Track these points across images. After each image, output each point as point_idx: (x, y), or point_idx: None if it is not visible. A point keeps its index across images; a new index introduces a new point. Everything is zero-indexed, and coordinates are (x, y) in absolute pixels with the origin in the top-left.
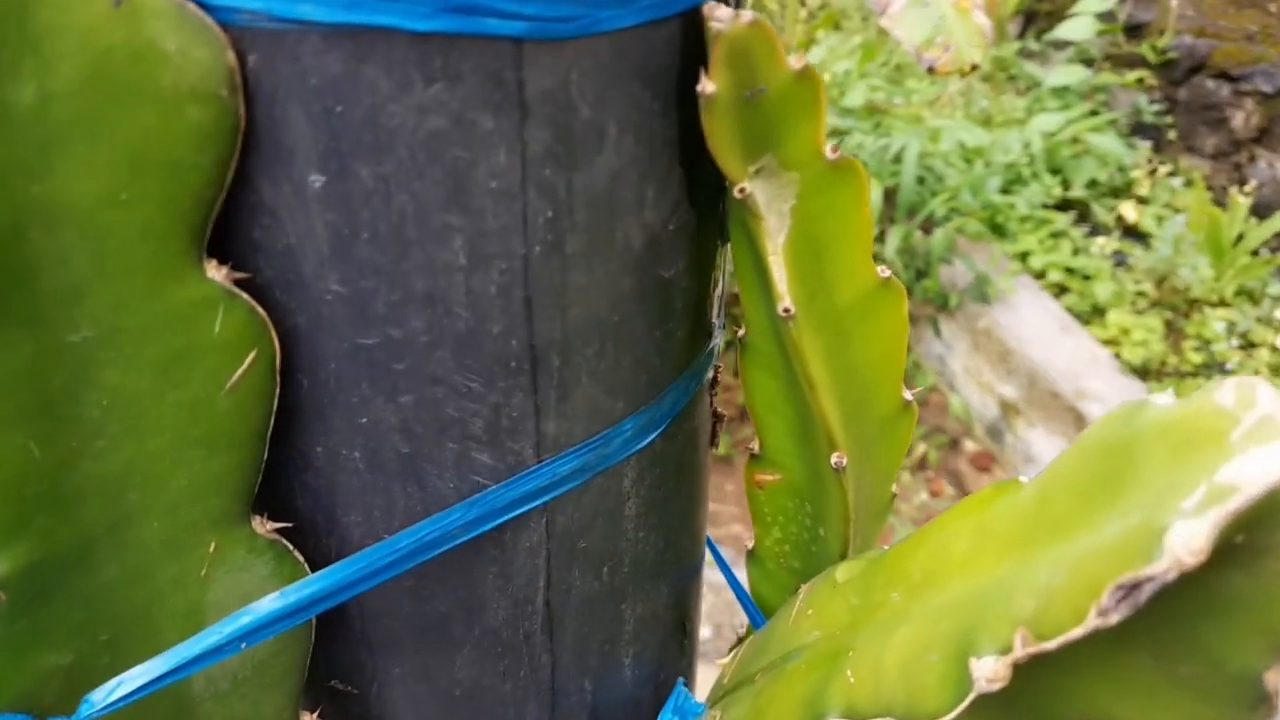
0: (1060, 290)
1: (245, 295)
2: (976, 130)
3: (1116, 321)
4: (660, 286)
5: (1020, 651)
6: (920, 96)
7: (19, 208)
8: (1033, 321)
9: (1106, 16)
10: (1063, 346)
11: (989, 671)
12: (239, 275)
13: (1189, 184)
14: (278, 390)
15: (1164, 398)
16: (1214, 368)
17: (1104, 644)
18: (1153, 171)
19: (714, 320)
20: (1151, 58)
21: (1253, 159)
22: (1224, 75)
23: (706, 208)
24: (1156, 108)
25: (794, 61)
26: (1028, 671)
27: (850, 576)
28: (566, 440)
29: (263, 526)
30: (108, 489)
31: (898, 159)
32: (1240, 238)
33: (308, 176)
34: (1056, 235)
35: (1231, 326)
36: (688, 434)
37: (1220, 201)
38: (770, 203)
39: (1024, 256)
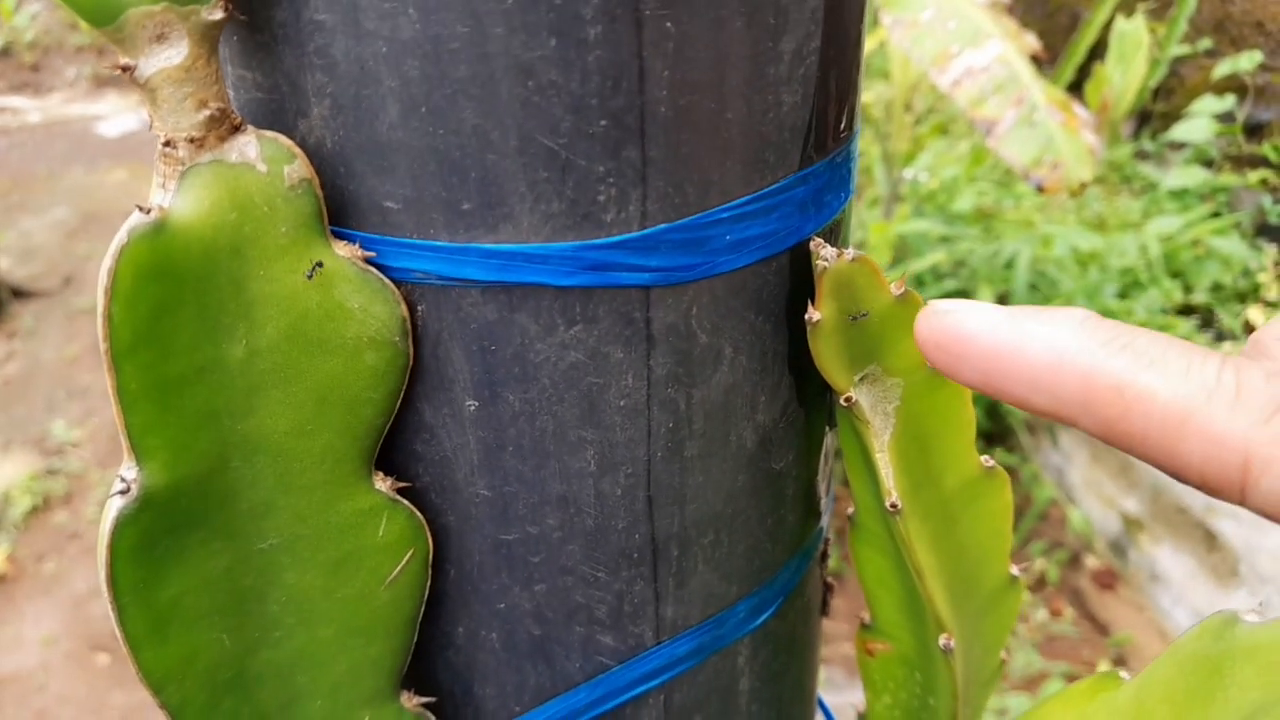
0: None
1: (405, 501)
2: (1090, 234)
3: None
4: (772, 478)
5: None
6: (1031, 201)
7: (227, 443)
8: None
9: (1225, 117)
10: None
11: None
12: (401, 484)
13: None
14: (429, 582)
15: (1252, 615)
16: None
17: None
18: None
19: (823, 500)
20: (1274, 158)
21: None
22: None
23: (815, 402)
24: None
25: (895, 288)
26: None
27: None
28: (684, 623)
29: (410, 701)
30: (281, 673)
31: (1009, 265)
32: None
33: (464, 401)
34: None
35: None
36: (799, 610)
37: None
38: (875, 405)
39: None
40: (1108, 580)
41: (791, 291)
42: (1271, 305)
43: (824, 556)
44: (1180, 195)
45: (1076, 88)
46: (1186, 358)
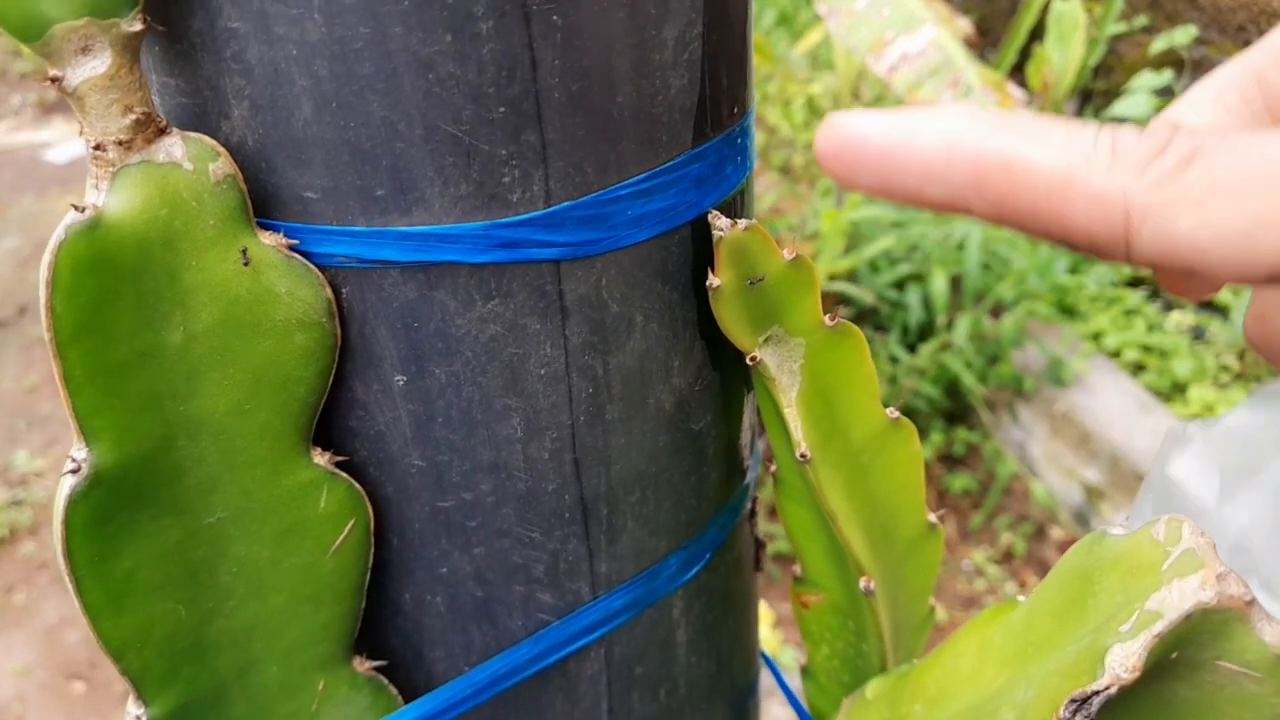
0: (1137, 369)
1: (344, 474)
2: None
3: (1199, 398)
4: (692, 438)
5: None
6: None
7: (171, 423)
8: (1111, 402)
9: (1164, 92)
10: (1144, 426)
11: None
12: (339, 458)
13: None
14: (372, 550)
15: (1118, 529)
16: None
17: None
18: None
19: (746, 460)
20: None
21: None
22: None
23: (730, 367)
24: None
25: (787, 253)
26: None
27: (880, 692)
28: (618, 578)
29: (362, 665)
30: (237, 640)
31: (961, 246)
32: None
33: (393, 377)
34: (1129, 313)
35: None
36: (730, 564)
37: None
38: (781, 364)
39: (1097, 336)
40: None
41: (695, 261)
42: None
43: (752, 514)
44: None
45: (1019, 69)
46: (1065, 129)
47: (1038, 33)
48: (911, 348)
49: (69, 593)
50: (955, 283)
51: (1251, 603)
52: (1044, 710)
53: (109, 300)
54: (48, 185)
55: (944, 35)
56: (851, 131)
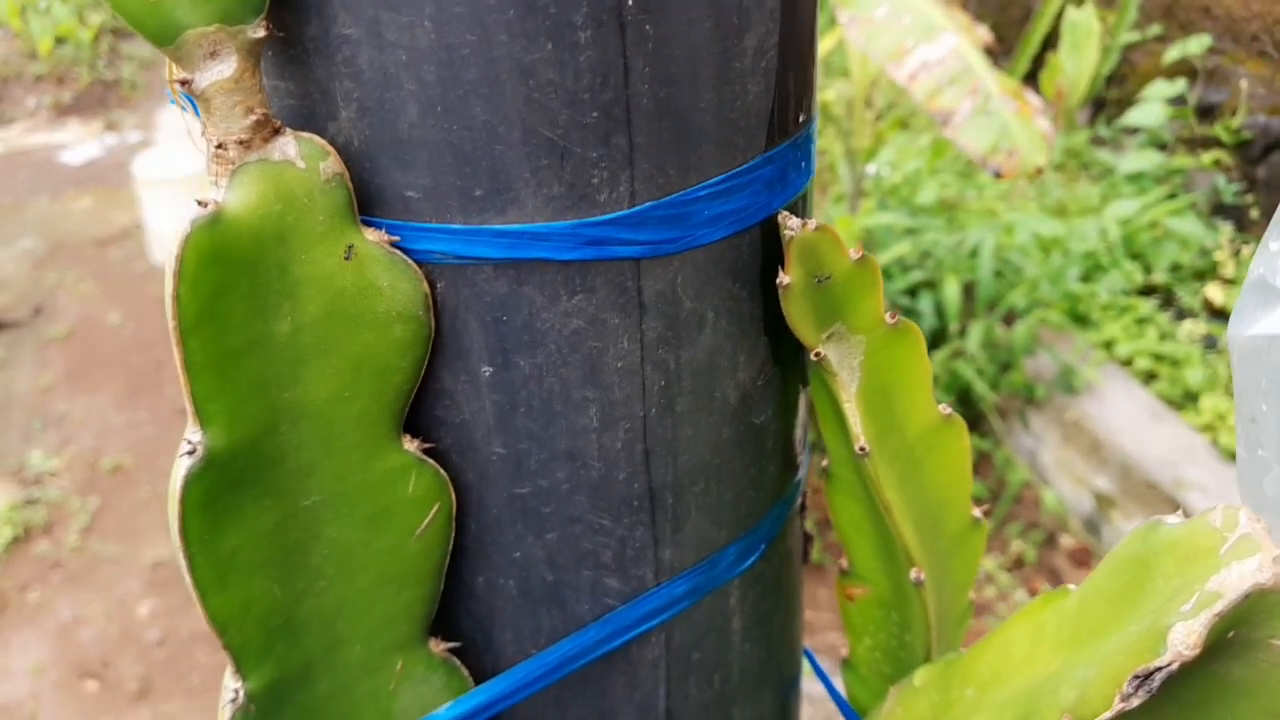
0: (1149, 377)
1: (431, 461)
2: (1051, 221)
3: (1211, 407)
4: (753, 431)
5: None
6: (993, 190)
7: (276, 409)
8: (1123, 411)
9: (1177, 101)
10: (1156, 435)
11: None
12: (426, 445)
13: None
14: (453, 533)
15: (1174, 518)
16: None
17: None
18: (1237, 252)
19: (799, 454)
20: (1226, 138)
21: None
22: None
23: (789, 363)
24: (1236, 187)
25: (854, 253)
26: None
27: (928, 679)
28: (680, 565)
29: (437, 646)
30: (325, 620)
31: (974, 254)
32: None
33: (480, 368)
34: (1141, 321)
35: None
36: (783, 555)
37: None
38: (842, 360)
39: (1109, 345)
40: (1083, 558)
41: (764, 261)
42: (1229, 282)
43: (802, 508)
44: (1137, 179)
45: (1032, 77)
46: None
47: (1051, 41)
48: None
49: (80, 590)
50: (968, 290)
51: None
52: (1107, 686)
53: (227, 290)
54: (63, 187)
55: (964, 43)
56: None
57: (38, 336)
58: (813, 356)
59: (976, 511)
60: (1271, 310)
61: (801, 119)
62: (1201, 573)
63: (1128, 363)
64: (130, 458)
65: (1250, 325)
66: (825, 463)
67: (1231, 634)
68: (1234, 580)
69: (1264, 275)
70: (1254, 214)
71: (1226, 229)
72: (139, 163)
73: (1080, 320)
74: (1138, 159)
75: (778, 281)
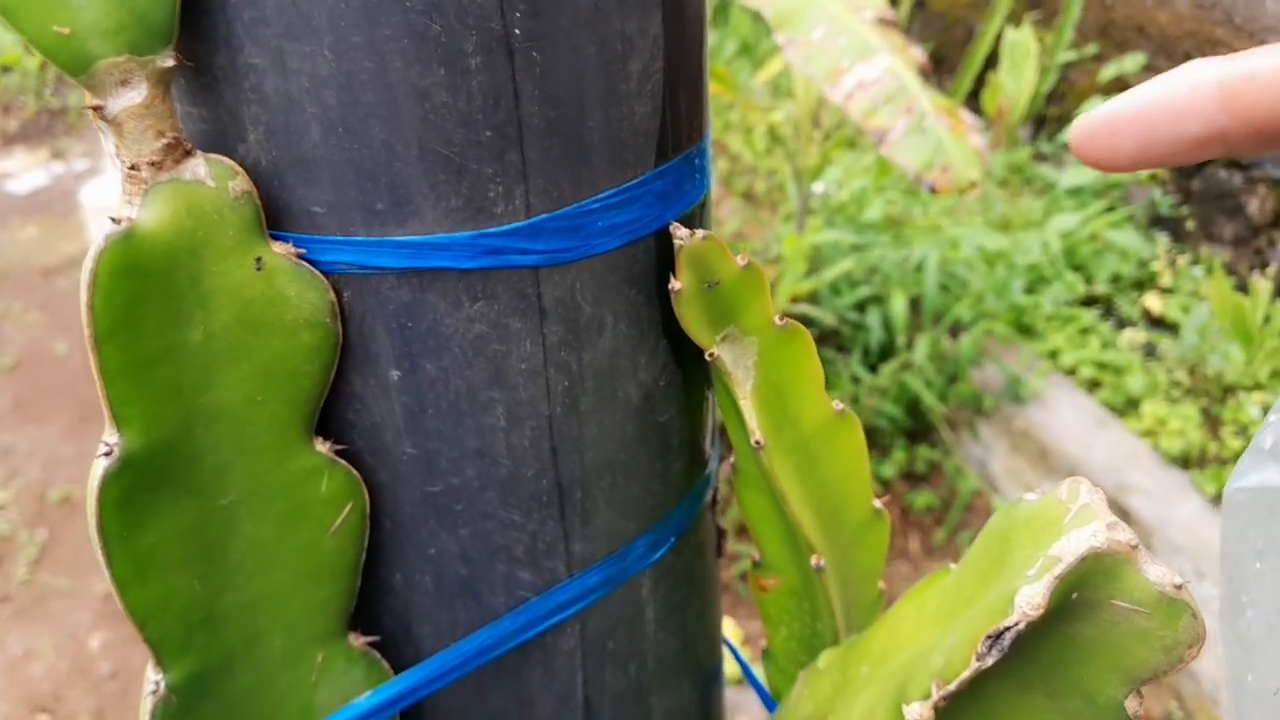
0: (1093, 385)
1: (343, 461)
2: (995, 235)
3: (1152, 412)
4: (658, 429)
5: (935, 696)
6: (937, 206)
7: (191, 413)
8: (1069, 419)
9: None
10: (1101, 441)
11: (916, 715)
12: (338, 447)
13: (1210, 272)
14: (368, 531)
15: (1032, 495)
16: None
17: (1011, 689)
18: (1173, 262)
19: (708, 452)
20: None
21: (1271, 243)
22: (1234, 164)
23: (692, 365)
24: (1172, 200)
25: (740, 259)
26: (949, 713)
27: (831, 661)
28: (591, 557)
29: (357, 640)
30: (245, 613)
31: (919, 268)
32: (1267, 320)
33: (388, 372)
34: (1084, 331)
35: (1268, 410)
36: (694, 547)
37: (1244, 287)
38: (736, 360)
39: (1054, 354)
40: None
41: (659, 268)
42: (1166, 291)
43: (713, 503)
44: (1077, 193)
45: (975, 96)
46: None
47: (992, 61)
48: (873, 368)
49: (29, 623)
50: (914, 304)
51: (1137, 547)
52: (965, 649)
53: (140, 301)
54: (8, 215)
55: (898, 64)
56: (1101, 114)
57: None
58: (707, 356)
59: (877, 503)
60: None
61: (693, 135)
62: (1047, 541)
63: (1072, 372)
64: (79, 489)
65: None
66: (731, 459)
67: (1075, 595)
68: (1072, 545)
69: (1258, 441)
70: (1189, 225)
71: (1163, 240)
72: (86, 191)
73: (1025, 331)
74: (1078, 174)
75: (669, 287)
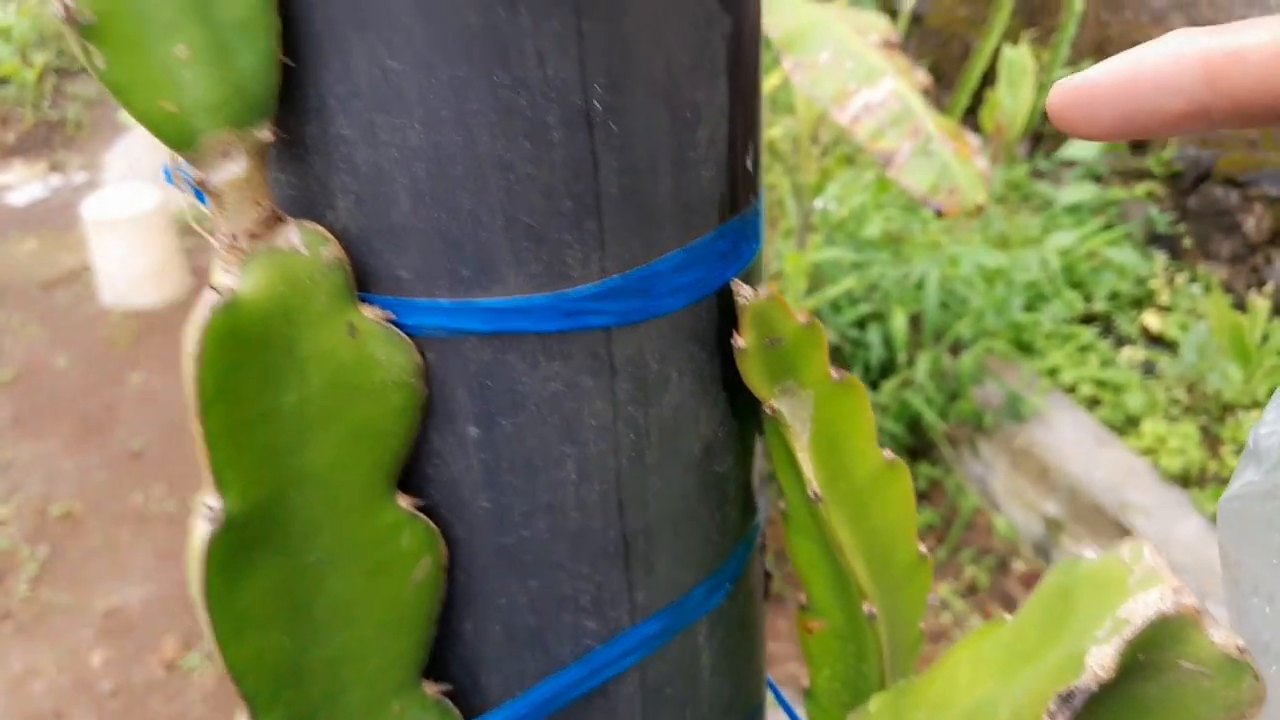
0: (1093, 403)
1: (423, 516)
2: (994, 252)
3: (1152, 431)
4: (716, 479)
5: None
6: (937, 224)
7: (284, 474)
8: (1069, 437)
9: None
10: (1101, 459)
11: None
12: (418, 502)
13: (1208, 290)
14: (444, 583)
15: (1090, 552)
16: None
17: None
18: (1171, 280)
19: (757, 498)
20: (1157, 170)
21: (1269, 261)
22: (1231, 182)
23: (745, 415)
24: (1169, 217)
25: (801, 317)
26: None
27: (882, 706)
28: (653, 606)
29: (430, 689)
30: (328, 667)
31: (919, 286)
32: (1266, 338)
33: (467, 429)
34: (1084, 349)
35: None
36: (746, 592)
37: (1242, 304)
38: (794, 413)
39: (1053, 372)
40: (1035, 582)
41: (720, 325)
42: (1165, 309)
43: (762, 547)
44: (1075, 210)
45: (972, 112)
46: (1270, 18)
47: (989, 77)
48: (874, 385)
49: (30, 640)
50: (915, 321)
51: (1202, 611)
52: (1036, 706)
53: (239, 368)
54: (7, 228)
55: (903, 86)
56: (1081, 82)
57: None
58: (767, 410)
59: (922, 548)
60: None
61: (750, 197)
62: (1113, 602)
63: (1072, 389)
64: (80, 504)
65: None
66: (782, 505)
67: (1142, 657)
68: (1141, 608)
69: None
70: (1186, 243)
71: (1161, 258)
72: (88, 204)
73: (1025, 348)
74: (1075, 191)
75: (733, 344)
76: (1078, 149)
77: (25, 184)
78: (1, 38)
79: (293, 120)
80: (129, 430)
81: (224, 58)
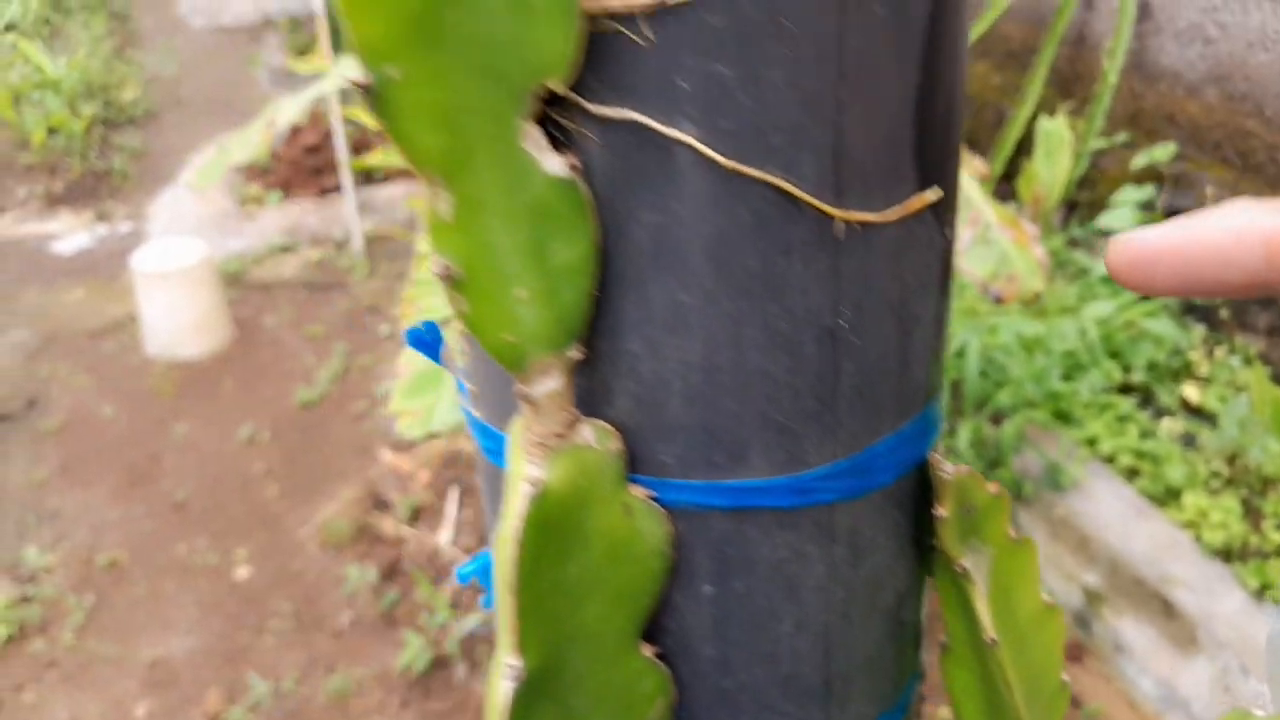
0: (1132, 474)
1: (660, 662)
2: (1033, 321)
3: (1193, 503)
4: (903, 626)
5: None
6: (974, 291)
7: (562, 634)
8: (1109, 507)
9: (1146, 205)
10: (1141, 532)
11: None
12: (656, 650)
13: (1247, 361)
14: None
15: (1259, 710)
16: None
17: None
18: (1210, 351)
19: (924, 635)
20: None
21: None
22: None
23: (923, 565)
24: None
25: (992, 488)
26: None
27: None
28: None
29: None
30: None
31: (960, 354)
32: None
33: (702, 588)
34: (1122, 419)
35: None
36: (914, 716)
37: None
38: (976, 568)
39: (1092, 442)
40: (1075, 653)
41: (916, 492)
42: (1204, 380)
43: (921, 676)
44: (1110, 280)
45: (1007, 179)
46: None
47: (1023, 145)
48: None
49: (76, 689)
50: (956, 389)
51: None
52: None
53: (544, 547)
54: (54, 277)
55: (963, 176)
56: (1141, 245)
57: (31, 430)
58: (957, 568)
59: (1064, 676)
60: None
61: (939, 381)
62: None
63: (1110, 459)
64: (125, 553)
65: None
66: (943, 639)
67: None
68: None
69: None
70: (1223, 314)
71: (1199, 329)
72: (136, 256)
73: (1063, 418)
74: None
75: (936, 514)
76: (1113, 218)
77: (72, 233)
78: (51, 90)
79: (593, 339)
80: (173, 481)
81: (552, 297)
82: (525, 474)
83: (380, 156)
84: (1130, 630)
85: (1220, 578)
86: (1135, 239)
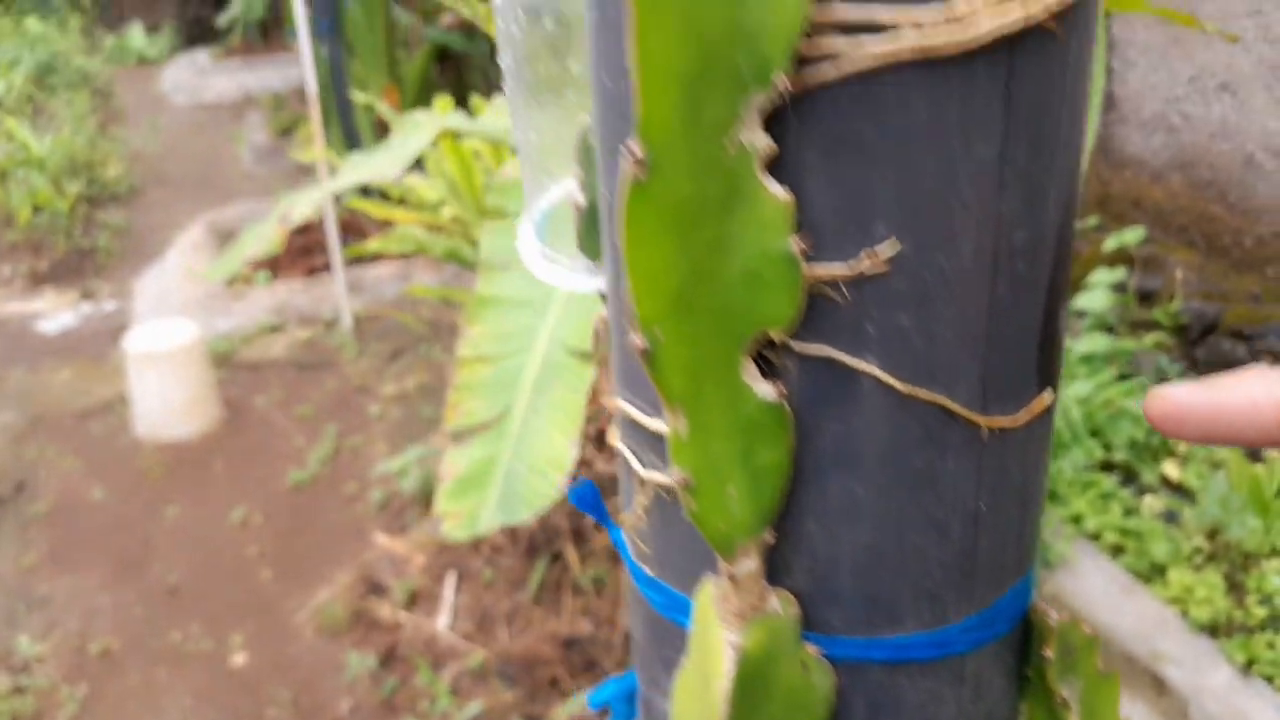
0: (1116, 550)
1: None
2: None
3: (1178, 580)
4: None
5: None
6: None
7: None
8: (1096, 585)
9: (1118, 287)
10: (1129, 608)
11: None
12: None
13: None
14: None
15: None
16: None
17: None
18: None
19: None
20: (1165, 322)
21: None
22: (1238, 335)
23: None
24: (1179, 368)
25: (1086, 629)
26: None
27: None
28: None
29: None
30: None
31: None
32: None
33: None
34: (1105, 496)
35: None
36: None
37: (1257, 454)
38: (1071, 696)
39: (1077, 519)
40: None
41: (1020, 637)
42: (1183, 458)
43: None
44: (1089, 359)
45: None
46: None
47: None
48: None
49: None
50: None
51: None
52: None
53: (743, 703)
54: (40, 357)
55: None
56: (1175, 402)
57: (19, 514)
58: (1057, 700)
59: None
60: None
61: (1039, 537)
62: None
63: (1096, 537)
64: (118, 641)
65: None
66: None
67: None
68: None
69: None
70: None
71: None
72: (129, 337)
73: (1049, 496)
74: (1089, 341)
75: (1044, 655)
76: (1088, 300)
77: (57, 312)
78: (36, 167)
79: (777, 522)
80: (165, 565)
81: (756, 493)
82: (729, 640)
83: (378, 244)
84: (1123, 708)
85: (1207, 653)
86: (1169, 395)
